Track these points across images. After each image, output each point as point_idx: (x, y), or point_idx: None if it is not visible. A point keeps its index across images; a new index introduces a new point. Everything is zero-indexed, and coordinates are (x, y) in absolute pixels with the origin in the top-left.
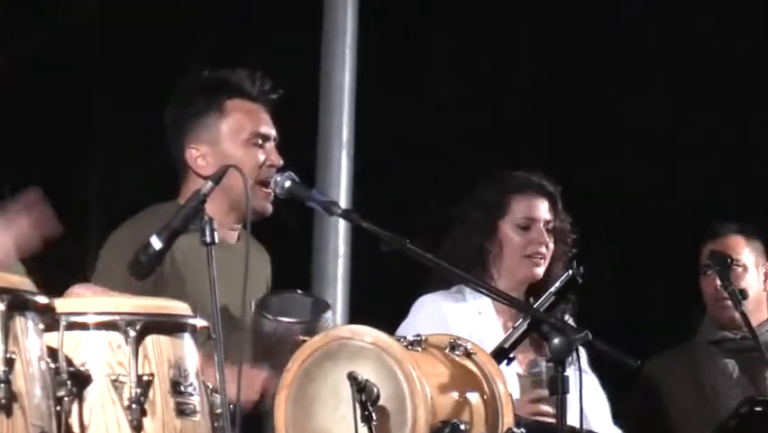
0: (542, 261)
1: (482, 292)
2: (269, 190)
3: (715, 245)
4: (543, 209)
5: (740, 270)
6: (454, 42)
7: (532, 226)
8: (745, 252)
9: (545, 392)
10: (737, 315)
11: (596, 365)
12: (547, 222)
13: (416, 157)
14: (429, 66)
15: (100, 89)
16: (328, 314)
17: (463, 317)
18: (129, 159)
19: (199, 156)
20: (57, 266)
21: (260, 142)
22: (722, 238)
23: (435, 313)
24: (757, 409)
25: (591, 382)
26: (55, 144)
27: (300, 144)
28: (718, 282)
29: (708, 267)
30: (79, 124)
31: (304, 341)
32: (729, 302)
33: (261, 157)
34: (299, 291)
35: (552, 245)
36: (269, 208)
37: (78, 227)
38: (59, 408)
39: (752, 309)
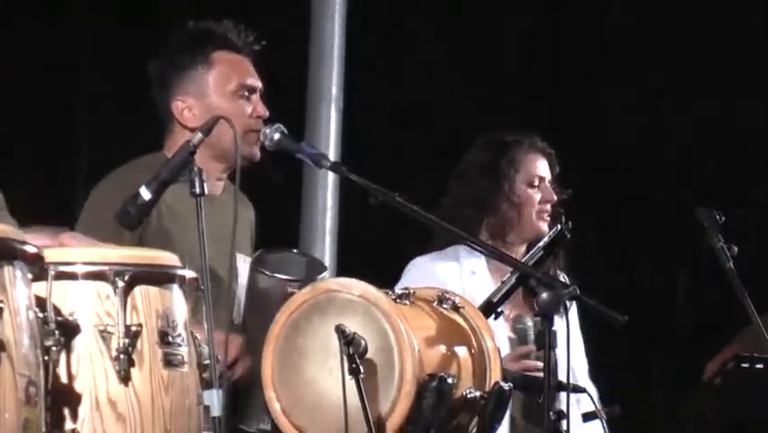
0: (549, 218)
1: (474, 248)
2: (258, 136)
3: None
4: (546, 168)
5: None
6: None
7: (541, 184)
8: None
9: (532, 348)
10: None
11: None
12: (550, 181)
13: (405, 117)
14: (420, 27)
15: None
16: (324, 275)
17: (455, 277)
18: (116, 138)
19: (185, 108)
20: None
21: (247, 93)
22: None
23: (426, 274)
24: (743, 365)
25: (576, 339)
26: (42, 119)
27: (289, 100)
28: None
29: None
30: (66, 103)
31: (292, 293)
32: None
33: (248, 108)
34: (295, 251)
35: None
36: (258, 153)
37: (65, 205)
38: (46, 357)
39: None
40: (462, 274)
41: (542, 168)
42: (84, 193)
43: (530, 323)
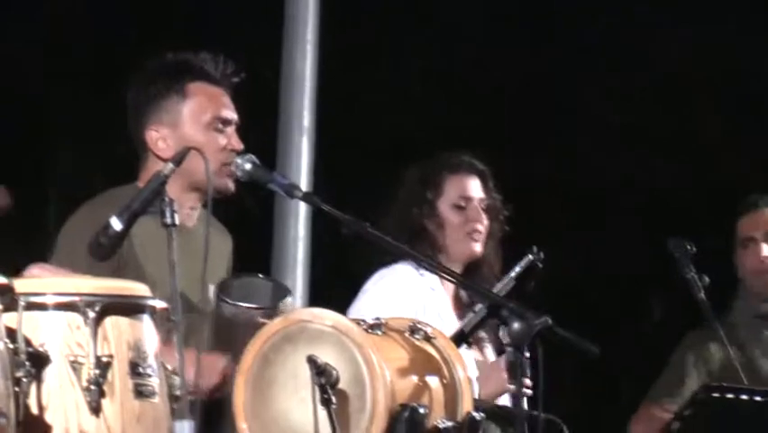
0: (480, 238)
1: (440, 275)
2: (231, 169)
3: (751, 218)
4: (476, 188)
5: None
6: (417, 34)
7: (468, 205)
8: None
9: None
10: None
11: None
12: (481, 200)
13: (378, 145)
14: (392, 55)
15: (62, 76)
16: (289, 299)
17: (420, 290)
18: (91, 145)
19: (159, 138)
20: (21, 255)
21: (221, 126)
22: (759, 210)
23: (396, 285)
24: (714, 395)
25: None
26: (16, 129)
27: (262, 130)
28: (764, 254)
29: (749, 240)
30: (41, 109)
31: (263, 324)
32: None
33: (222, 141)
34: (260, 276)
35: (486, 223)
36: (232, 186)
37: (39, 214)
38: (17, 389)
39: None
40: (423, 288)
41: (469, 188)
42: (56, 227)
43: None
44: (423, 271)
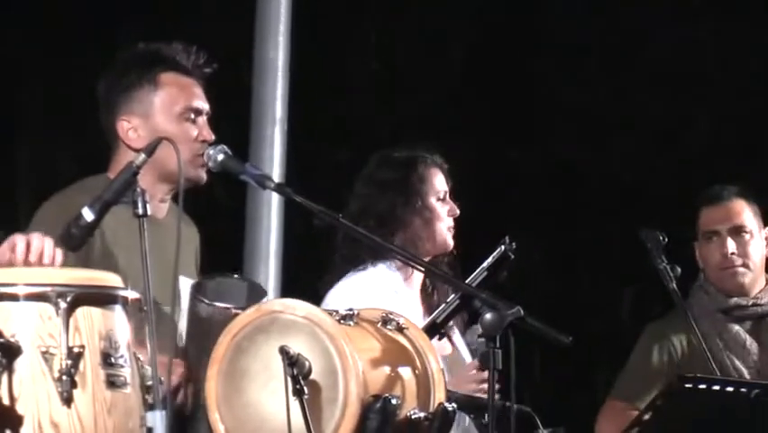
0: (452, 231)
1: (417, 268)
2: (203, 159)
3: (716, 211)
4: (445, 183)
5: (747, 236)
6: (389, 24)
7: (446, 198)
8: (748, 216)
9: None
10: (746, 281)
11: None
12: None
13: (350, 136)
14: (362, 44)
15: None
16: (265, 300)
17: (385, 296)
18: (60, 134)
19: (131, 129)
20: None
21: (193, 116)
22: (724, 203)
23: (364, 292)
24: (687, 386)
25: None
26: None
27: (234, 121)
28: (728, 249)
29: (712, 234)
30: (9, 98)
31: (236, 314)
32: (740, 269)
33: (194, 132)
34: (236, 276)
35: None
36: (204, 176)
37: (8, 203)
38: None
39: (758, 276)
40: (387, 288)
41: (443, 182)
42: (26, 215)
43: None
44: (383, 275)
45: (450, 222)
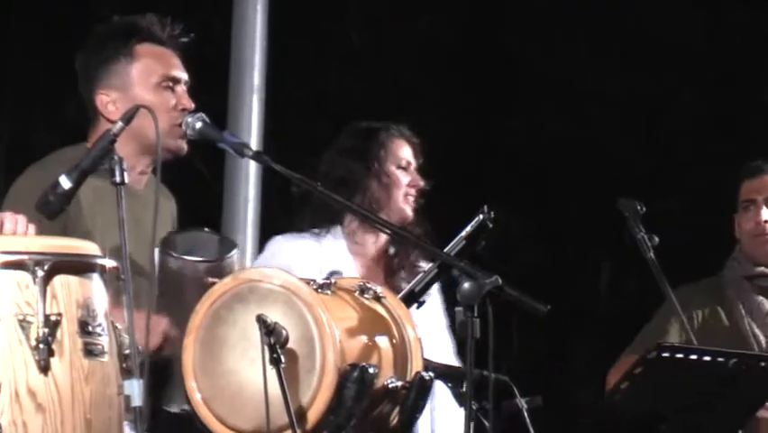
0: (413, 202)
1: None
2: (183, 129)
3: (755, 182)
4: (412, 155)
5: None
6: None
7: (409, 167)
8: None
9: None
10: None
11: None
12: (416, 169)
13: (328, 106)
14: (345, 15)
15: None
16: (234, 252)
17: (313, 255)
18: (40, 109)
19: (110, 101)
20: None
21: (171, 85)
22: (763, 175)
23: (282, 252)
24: (664, 355)
25: (438, 318)
26: None
27: (212, 89)
28: (763, 217)
29: (750, 203)
30: None
31: (213, 283)
32: None
33: (172, 101)
34: (206, 229)
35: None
36: (184, 147)
37: None
38: None
39: None
40: (322, 254)
41: (409, 154)
42: (5, 185)
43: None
44: (324, 236)
45: (410, 192)
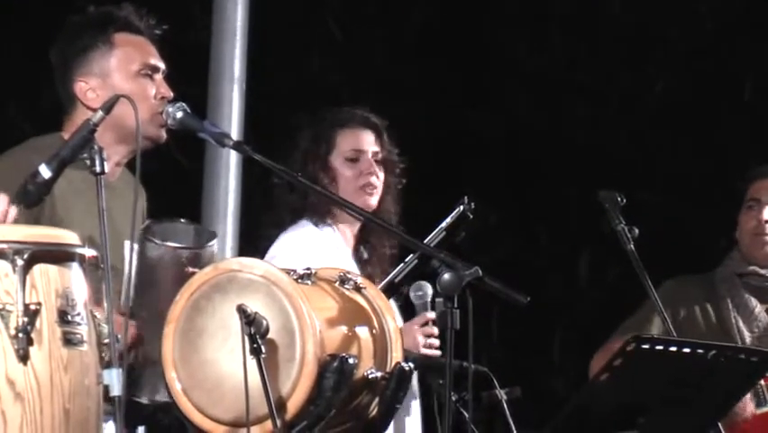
0: (374, 191)
1: (382, 226)
2: (163, 118)
3: (762, 183)
4: (369, 141)
5: None
6: None
7: (360, 158)
8: None
9: (431, 315)
10: None
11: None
12: (375, 153)
13: (308, 98)
14: (322, 4)
15: None
16: (213, 242)
17: (327, 251)
18: (15, 95)
19: (89, 89)
20: None
21: (151, 73)
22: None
23: (303, 248)
24: (643, 346)
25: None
26: None
27: (192, 79)
28: (764, 217)
29: (754, 202)
30: None
31: (193, 273)
32: None
33: (152, 89)
34: (183, 220)
35: (382, 176)
36: (164, 135)
37: None
38: None
39: None
40: (329, 242)
41: (361, 141)
42: None
43: (429, 291)
44: (320, 231)
45: (364, 181)
